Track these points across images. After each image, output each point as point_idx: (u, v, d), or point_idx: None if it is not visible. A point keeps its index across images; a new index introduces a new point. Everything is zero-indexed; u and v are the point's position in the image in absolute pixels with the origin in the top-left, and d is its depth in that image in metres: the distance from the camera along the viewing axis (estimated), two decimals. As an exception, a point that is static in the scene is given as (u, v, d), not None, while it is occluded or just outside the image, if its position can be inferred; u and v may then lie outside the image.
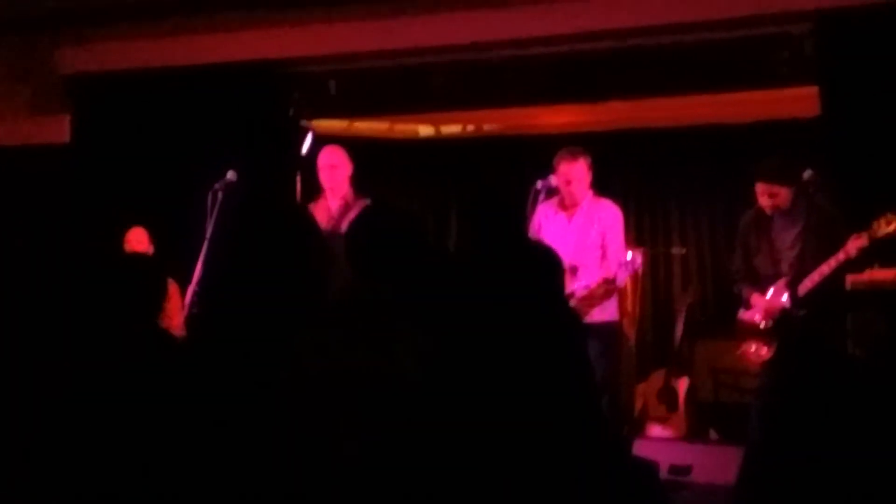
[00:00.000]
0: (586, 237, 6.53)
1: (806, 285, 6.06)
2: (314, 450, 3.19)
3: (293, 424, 3.26)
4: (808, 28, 6.78)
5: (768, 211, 6.24)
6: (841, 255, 5.91)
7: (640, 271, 6.98)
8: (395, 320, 3.32)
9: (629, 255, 6.38)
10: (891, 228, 5.83)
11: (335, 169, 6.78)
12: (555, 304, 3.64)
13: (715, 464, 5.35)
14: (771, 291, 6.28)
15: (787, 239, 6.26)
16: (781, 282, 6.24)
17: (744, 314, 6.42)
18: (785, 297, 6.17)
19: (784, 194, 6.18)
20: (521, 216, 3.65)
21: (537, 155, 6.84)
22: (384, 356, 3.23)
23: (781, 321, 6.19)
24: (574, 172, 6.54)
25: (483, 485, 3.23)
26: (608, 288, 6.39)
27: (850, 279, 6.03)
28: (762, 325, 6.27)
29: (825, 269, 5.97)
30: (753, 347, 6.32)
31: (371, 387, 3.20)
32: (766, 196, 6.19)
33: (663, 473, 5.16)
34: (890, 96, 6.39)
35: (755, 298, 6.33)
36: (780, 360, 6.26)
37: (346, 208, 6.57)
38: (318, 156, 6.91)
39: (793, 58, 6.94)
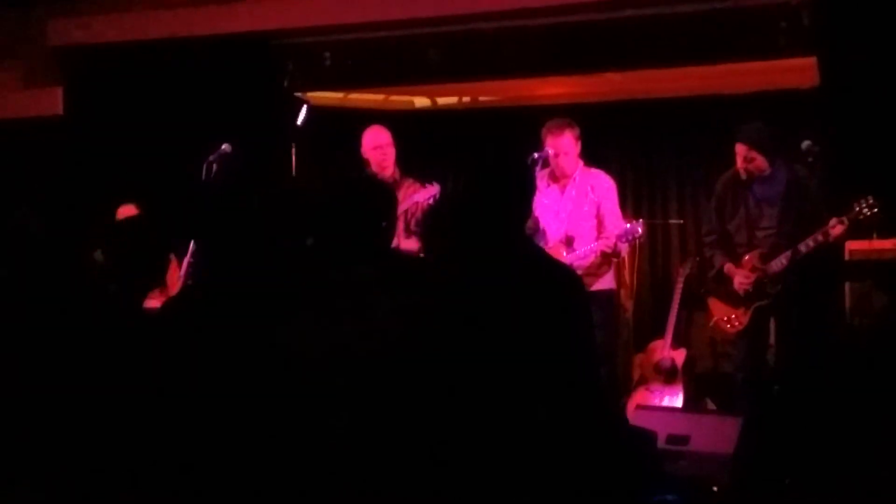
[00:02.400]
0: (580, 208, 6.52)
1: (781, 262, 6.07)
2: (304, 423, 3.18)
3: (283, 401, 3.24)
4: (806, -2, 6.75)
5: (743, 175, 6.24)
6: (820, 237, 5.92)
7: (639, 241, 6.98)
8: (375, 296, 3.31)
9: (627, 225, 6.38)
10: (869, 212, 5.84)
11: (383, 149, 6.81)
12: (559, 269, 3.62)
13: (712, 434, 5.33)
14: (744, 263, 6.27)
15: (764, 208, 6.26)
16: (755, 253, 6.24)
17: (715, 284, 6.44)
18: (759, 270, 6.17)
19: (760, 162, 6.18)
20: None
21: (534, 126, 6.80)
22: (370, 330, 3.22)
23: (754, 292, 6.20)
24: (562, 145, 6.51)
25: (478, 456, 3.21)
26: (608, 259, 6.40)
27: (849, 250, 6.03)
28: (737, 294, 6.28)
29: (802, 248, 5.97)
30: (725, 317, 6.34)
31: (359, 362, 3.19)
32: (742, 159, 6.20)
33: (661, 443, 5.14)
34: (887, 66, 6.36)
35: (729, 268, 6.33)
36: (756, 333, 6.29)
37: (394, 186, 6.53)
38: (363, 136, 6.91)
39: (791, 28, 6.91)
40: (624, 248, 6.61)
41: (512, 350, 3.23)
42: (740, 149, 6.20)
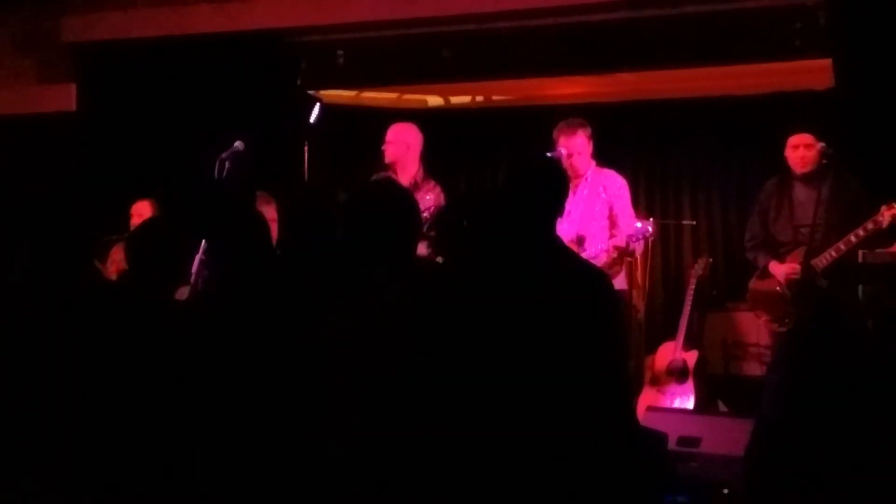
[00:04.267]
0: (592, 207, 6.51)
1: (830, 255, 6.04)
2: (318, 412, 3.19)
3: (297, 392, 3.25)
4: (821, -1, 6.72)
5: (800, 167, 6.25)
6: (870, 225, 5.89)
7: (651, 241, 6.96)
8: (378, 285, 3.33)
9: (639, 224, 6.36)
10: None
11: (408, 148, 6.75)
12: (591, 269, 3.65)
13: (724, 435, 5.32)
14: (789, 259, 6.25)
15: (808, 206, 6.24)
16: (801, 250, 6.21)
17: (760, 282, 6.39)
18: (806, 266, 6.13)
19: (816, 149, 6.18)
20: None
21: (547, 126, 6.79)
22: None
23: (803, 290, 6.16)
24: (574, 145, 6.51)
25: (490, 453, 3.21)
26: (621, 258, 6.38)
27: (862, 252, 6.00)
28: (781, 294, 6.25)
29: (852, 238, 5.94)
30: (773, 317, 6.30)
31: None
32: (802, 147, 6.20)
33: (672, 445, 5.14)
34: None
35: (773, 266, 6.31)
36: (801, 332, 6.23)
37: (414, 187, 6.49)
38: (388, 131, 6.85)
39: (806, 29, 6.88)
40: (638, 247, 6.59)
41: (545, 351, 3.25)
42: (800, 139, 6.23)
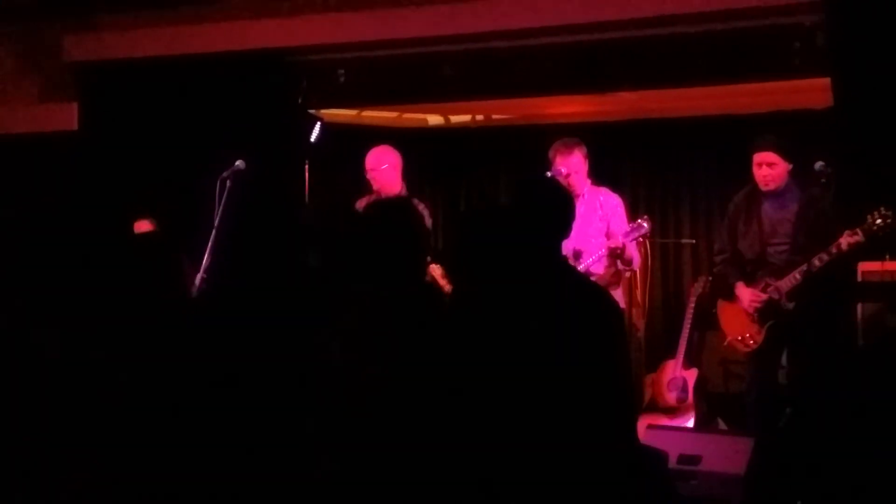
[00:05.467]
0: (589, 224, 6.56)
1: (795, 277, 6.06)
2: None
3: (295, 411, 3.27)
4: (820, 18, 6.73)
5: (762, 185, 6.25)
6: (833, 250, 5.90)
7: (647, 249, 6.97)
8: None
9: (633, 224, 6.39)
10: (882, 223, 5.82)
11: (391, 169, 6.87)
12: (596, 289, 3.68)
13: (724, 454, 5.33)
14: (757, 281, 6.26)
15: (776, 225, 6.28)
16: (768, 269, 6.23)
17: (728, 302, 6.42)
18: (772, 287, 6.16)
19: (781, 168, 6.20)
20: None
21: (547, 145, 6.82)
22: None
23: (768, 309, 6.18)
24: (571, 164, 6.57)
25: (491, 470, 3.22)
26: (619, 269, 6.40)
27: (862, 270, 6.01)
28: (748, 315, 6.26)
29: (816, 262, 5.95)
30: (740, 337, 6.31)
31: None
32: (765, 166, 6.21)
33: (672, 463, 5.14)
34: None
35: (739, 289, 6.32)
36: (770, 351, 6.26)
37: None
38: (366, 158, 6.95)
39: (805, 48, 6.90)
40: (635, 253, 6.60)
41: (548, 368, 3.27)
42: (763, 156, 6.22)
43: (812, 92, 7.13)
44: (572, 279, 3.60)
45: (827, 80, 6.65)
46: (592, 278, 6.26)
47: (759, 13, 6.89)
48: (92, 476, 3.47)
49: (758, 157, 6.26)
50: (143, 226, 7.28)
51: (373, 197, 6.85)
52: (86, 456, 3.49)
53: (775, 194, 6.27)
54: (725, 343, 6.52)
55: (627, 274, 6.89)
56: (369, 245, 3.54)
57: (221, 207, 6.48)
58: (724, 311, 6.52)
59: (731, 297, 6.41)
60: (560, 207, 3.68)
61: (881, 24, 6.44)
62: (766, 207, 6.33)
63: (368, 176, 6.94)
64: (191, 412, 3.43)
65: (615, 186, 7.07)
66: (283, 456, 3.30)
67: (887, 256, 5.97)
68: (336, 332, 3.37)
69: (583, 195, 6.61)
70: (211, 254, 6.34)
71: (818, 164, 6.14)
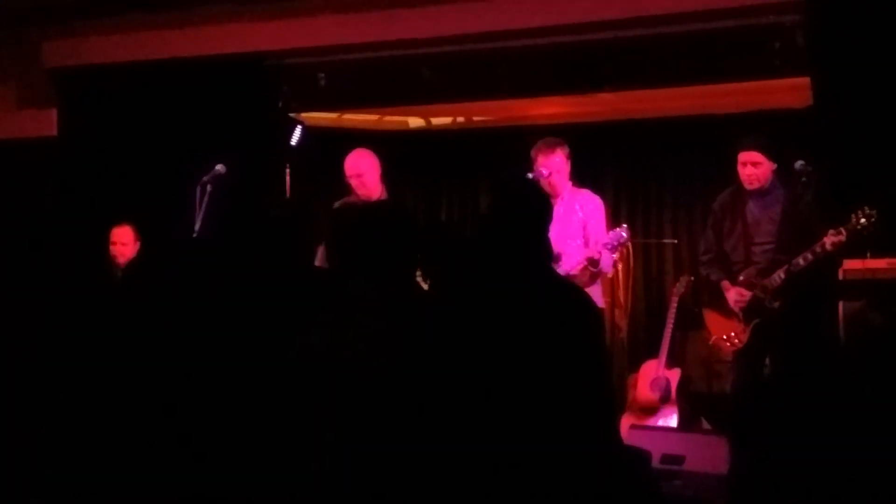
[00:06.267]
0: (568, 226, 6.54)
1: (780, 276, 6.06)
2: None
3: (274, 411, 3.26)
4: (800, 18, 6.75)
5: (747, 184, 6.25)
6: (818, 249, 5.90)
7: (629, 250, 6.95)
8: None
9: (611, 232, 6.38)
10: (867, 222, 5.82)
11: (362, 177, 6.84)
12: (574, 291, 3.67)
13: (707, 453, 5.33)
14: (741, 279, 6.27)
15: (761, 225, 6.28)
16: (752, 269, 6.24)
17: (712, 302, 6.42)
18: (756, 287, 6.17)
19: (766, 168, 6.20)
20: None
21: (529, 146, 6.82)
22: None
23: (752, 308, 6.19)
24: (552, 164, 6.55)
25: (472, 471, 3.21)
26: (592, 272, 6.38)
27: (844, 269, 6.02)
28: (733, 313, 6.26)
29: (801, 261, 5.96)
30: (725, 336, 6.31)
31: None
32: (750, 165, 6.20)
33: (655, 463, 5.14)
34: (881, 86, 6.36)
35: (725, 285, 6.32)
36: (754, 351, 6.26)
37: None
38: (345, 163, 6.92)
39: (785, 48, 6.91)
40: (609, 259, 6.59)
41: (527, 369, 3.26)
42: (748, 156, 6.21)
43: (792, 91, 7.15)
44: (549, 280, 3.59)
45: (807, 80, 6.67)
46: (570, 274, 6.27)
47: (739, 13, 6.91)
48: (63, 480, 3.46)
49: (742, 156, 6.25)
50: (122, 232, 7.24)
51: (350, 198, 6.84)
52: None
53: (760, 194, 6.27)
54: (711, 342, 6.51)
55: (609, 274, 6.87)
56: (363, 243, 3.53)
57: (202, 212, 6.45)
58: (710, 310, 6.51)
59: (716, 296, 6.41)
60: (534, 208, 3.67)
61: (861, 24, 6.45)
62: (751, 207, 6.33)
63: (349, 181, 6.93)
64: (173, 414, 3.42)
65: (596, 187, 7.07)
66: (268, 456, 3.28)
67: (868, 254, 5.97)
68: (325, 330, 3.36)
69: (562, 196, 6.61)
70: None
71: (798, 164, 6.14)
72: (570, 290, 3.64)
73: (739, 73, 7.22)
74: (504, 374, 3.28)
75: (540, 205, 3.72)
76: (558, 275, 3.74)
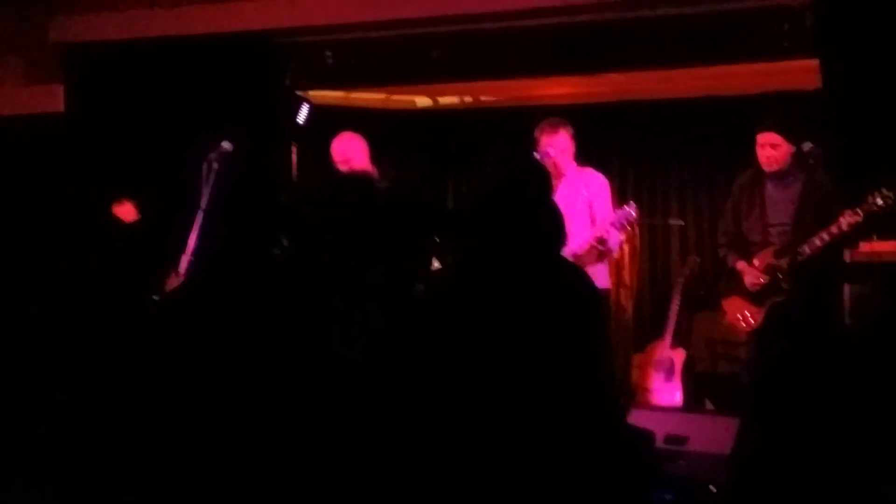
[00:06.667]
0: (573, 206, 6.52)
1: (796, 256, 6.04)
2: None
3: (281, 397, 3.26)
4: (808, 0, 6.72)
5: (766, 166, 6.23)
6: (834, 229, 5.88)
7: (636, 230, 6.92)
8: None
9: (619, 210, 6.36)
10: (884, 203, 5.80)
11: (350, 162, 6.82)
12: (576, 273, 3.67)
13: (711, 434, 5.34)
14: (758, 260, 6.26)
15: (779, 206, 6.26)
16: (769, 250, 6.22)
17: (728, 282, 6.41)
18: (772, 266, 6.15)
19: (785, 149, 6.18)
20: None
21: (535, 127, 6.81)
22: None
23: (768, 289, 6.17)
24: (557, 143, 6.55)
25: (475, 453, 3.22)
26: (599, 251, 6.37)
27: (850, 251, 6.01)
28: (749, 290, 6.25)
29: (817, 241, 5.94)
30: (740, 316, 6.29)
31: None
32: (769, 147, 6.19)
33: (659, 443, 5.15)
34: (890, 69, 6.35)
35: (742, 265, 6.31)
36: (770, 332, 6.24)
37: None
38: (332, 148, 6.91)
39: (793, 30, 6.88)
40: (617, 238, 6.57)
41: (529, 350, 3.26)
42: (767, 137, 6.19)
43: (801, 73, 7.13)
44: (549, 262, 3.57)
45: (815, 62, 6.65)
46: (573, 258, 6.25)
47: (747, -6, 6.89)
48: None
49: (761, 137, 6.23)
50: (123, 208, 7.24)
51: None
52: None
53: (778, 176, 6.25)
54: (725, 322, 6.48)
55: (616, 254, 6.86)
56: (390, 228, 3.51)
57: (209, 189, 6.45)
58: (726, 290, 6.49)
59: (732, 276, 6.40)
60: (535, 188, 3.65)
61: (869, 6, 6.43)
62: (769, 188, 6.31)
63: (337, 167, 6.90)
64: (178, 409, 3.42)
65: (603, 168, 7.05)
66: (280, 455, 3.28)
67: (874, 237, 5.96)
68: (343, 322, 3.35)
69: (567, 176, 6.60)
70: (198, 235, 6.32)
71: (806, 145, 6.13)
72: (571, 272, 3.63)
73: (747, 55, 7.18)
74: (503, 357, 3.27)
75: (542, 183, 3.71)
76: (559, 255, 3.72)
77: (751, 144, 6.35)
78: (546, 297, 3.40)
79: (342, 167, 6.87)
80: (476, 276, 3.48)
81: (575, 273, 3.67)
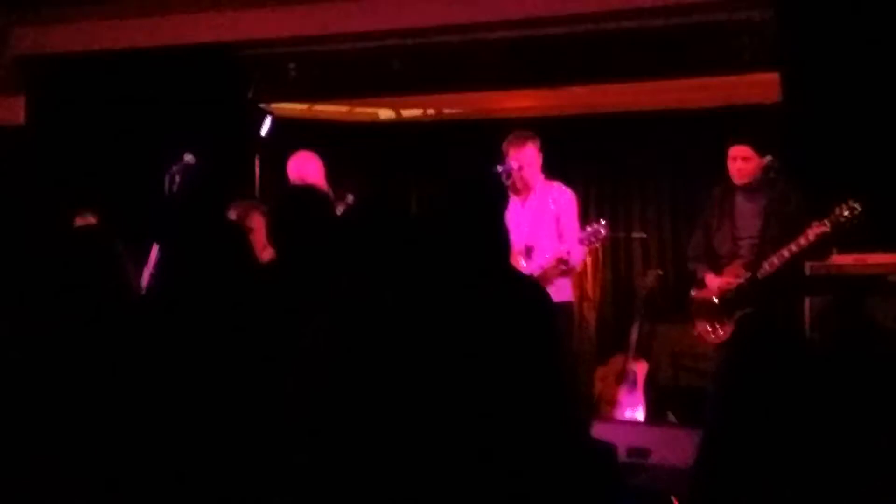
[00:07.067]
0: (541, 219, 6.51)
1: (764, 269, 6.08)
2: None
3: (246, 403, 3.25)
4: (769, 14, 6.78)
5: (737, 179, 6.26)
6: (802, 241, 5.92)
7: (604, 244, 6.90)
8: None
9: (589, 228, 6.36)
10: (850, 214, 5.85)
11: (305, 181, 6.74)
12: (529, 286, 3.64)
13: (673, 446, 5.36)
14: (726, 271, 6.29)
15: (748, 219, 6.29)
16: (738, 262, 6.26)
17: (697, 293, 6.43)
18: (741, 279, 6.19)
19: (755, 163, 6.22)
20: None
21: (499, 139, 6.81)
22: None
23: (736, 301, 6.20)
24: (524, 157, 6.52)
25: (437, 470, 3.20)
26: (563, 268, 6.37)
27: (810, 264, 6.05)
28: (715, 305, 6.27)
29: (785, 253, 5.99)
30: (709, 327, 6.32)
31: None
32: (740, 159, 6.22)
33: (622, 456, 5.16)
34: (850, 82, 6.40)
35: (709, 278, 6.35)
36: (737, 343, 6.26)
37: None
38: (288, 165, 6.84)
39: (754, 43, 6.94)
40: (581, 254, 6.57)
41: (486, 368, 3.24)
42: (738, 150, 6.22)
43: (762, 87, 7.18)
44: (500, 275, 3.54)
45: (776, 75, 6.70)
46: (539, 271, 6.25)
47: (708, 8, 6.94)
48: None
49: (733, 150, 6.27)
50: (85, 220, 7.19)
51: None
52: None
53: (749, 188, 6.29)
54: (694, 334, 6.50)
55: (579, 269, 6.87)
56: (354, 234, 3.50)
57: (171, 202, 6.42)
58: (695, 302, 6.52)
59: (701, 288, 6.43)
60: (488, 201, 3.61)
61: (830, 19, 6.49)
62: (739, 202, 6.35)
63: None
64: (148, 416, 3.39)
65: (566, 180, 7.07)
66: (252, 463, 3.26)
67: (835, 250, 6.01)
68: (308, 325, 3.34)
69: (534, 189, 6.60)
70: (159, 250, 6.28)
71: (767, 158, 6.18)
72: (520, 283, 3.60)
73: (709, 68, 7.24)
74: (456, 374, 3.25)
75: (495, 198, 3.67)
76: (511, 269, 3.70)
77: (712, 157, 6.39)
78: (494, 309, 3.37)
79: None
80: (422, 293, 3.45)
81: (526, 285, 3.64)
